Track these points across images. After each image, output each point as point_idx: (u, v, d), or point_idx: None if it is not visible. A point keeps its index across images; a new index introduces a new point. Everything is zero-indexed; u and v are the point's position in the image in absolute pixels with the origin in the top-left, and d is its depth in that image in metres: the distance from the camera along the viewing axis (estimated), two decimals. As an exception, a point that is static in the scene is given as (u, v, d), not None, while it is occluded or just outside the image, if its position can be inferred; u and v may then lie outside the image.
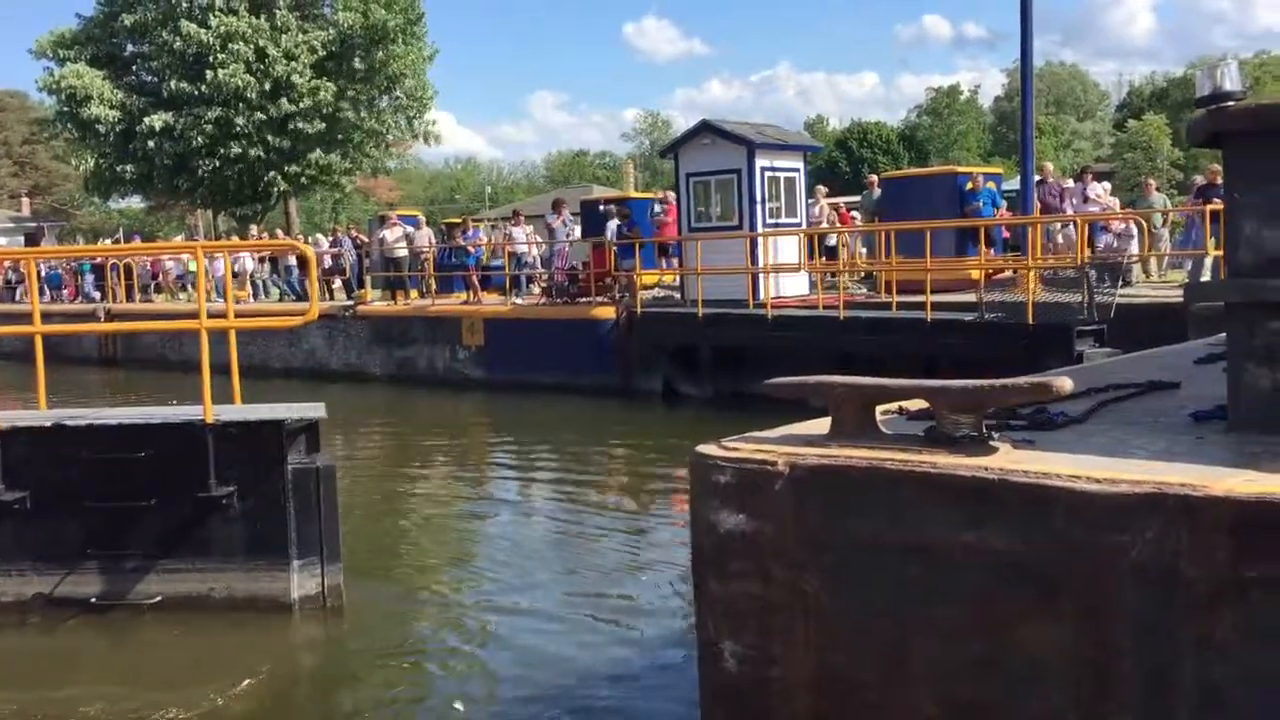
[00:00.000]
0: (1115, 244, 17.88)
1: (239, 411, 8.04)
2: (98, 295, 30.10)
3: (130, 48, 38.50)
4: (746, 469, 3.32)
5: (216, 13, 35.25)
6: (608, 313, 18.68)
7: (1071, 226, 18.39)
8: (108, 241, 45.15)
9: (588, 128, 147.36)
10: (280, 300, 27.42)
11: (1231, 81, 3.31)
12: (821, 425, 3.51)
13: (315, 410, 8.01)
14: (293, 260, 27.60)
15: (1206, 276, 15.09)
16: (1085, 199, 18.95)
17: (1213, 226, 15.05)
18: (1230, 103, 3.31)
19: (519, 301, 21.58)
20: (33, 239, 52.60)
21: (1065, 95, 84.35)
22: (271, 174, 37.77)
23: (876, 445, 3.25)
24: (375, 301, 23.96)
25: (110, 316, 26.67)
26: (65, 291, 33.02)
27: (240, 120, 35.71)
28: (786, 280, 18.51)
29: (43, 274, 28.39)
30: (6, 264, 33.62)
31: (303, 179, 38.91)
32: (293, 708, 6.46)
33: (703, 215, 19.19)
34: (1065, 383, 3.14)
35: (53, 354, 8.47)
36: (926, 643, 3.02)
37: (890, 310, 15.84)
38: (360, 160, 40.24)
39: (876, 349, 14.48)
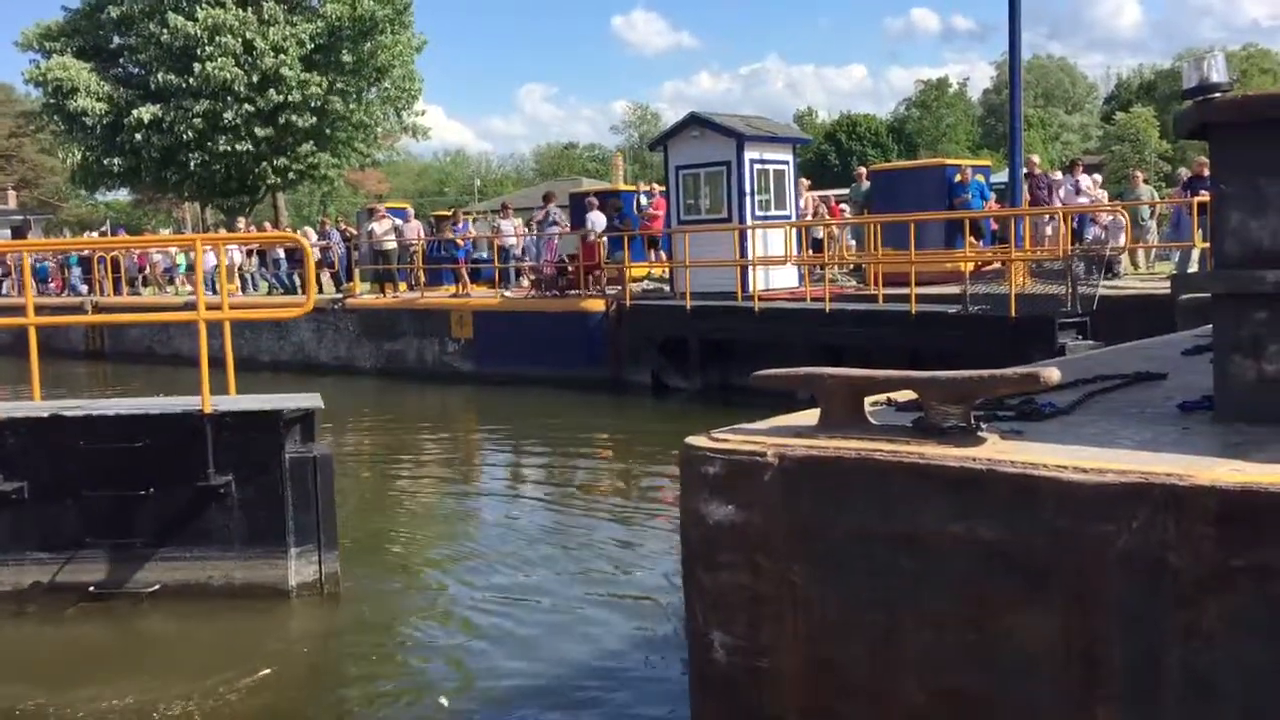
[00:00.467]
0: (1104, 236, 17.92)
1: (236, 402, 8.13)
2: (84, 289, 30.00)
3: (117, 40, 38.27)
4: (735, 460, 3.33)
5: (204, 5, 35.06)
6: (597, 305, 18.68)
7: (1059, 219, 18.46)
8: (94, 235, 44.90)
9: (577, 120, 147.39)
10: (269, 294, 27.35)
11: (1219, 73, 3.32)
12: (810, 417, 3.51)
13: (311, 400, 8.10)
14: (281, 253, 27.51)
15: (1194, 268, 15.16)
16: (1077, 191, 19.01)
17: (1200, 218, 15.11)
18: (1217, 94, 3.31)
19: (508, 294, 21.56)
20: (19, 232, 52.32)
21: (1053, 88, 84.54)
22: (261, 167, 37.63)
23: (865, 436, 3.26)
24: (364, 294, 23.91)
25: (97, 309, 26.55)
26: (52, 284, 32.88)
27: (228, 114, 35.56)
28: (776, 273, 18.52)
29: (32, 265, 28.21)
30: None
31: (291, 173, 38.78)
32: (291, 693, 6.49)
33: (692, 208, 19.20)
34: (1053, 374, 3.15)
35: (40, 347, 8.47)
36: (915, 633, 3.03)
37: (876, 303, 15.87)
38: (349, 154, 40.12)
39: (863, 342, 14.52)
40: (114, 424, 7.87)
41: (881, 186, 20.97)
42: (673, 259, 19.32)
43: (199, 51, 35.01)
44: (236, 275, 27.94)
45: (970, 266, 16.51)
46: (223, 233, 35.15)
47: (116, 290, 28.84)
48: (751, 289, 17.26)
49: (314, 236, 28.16)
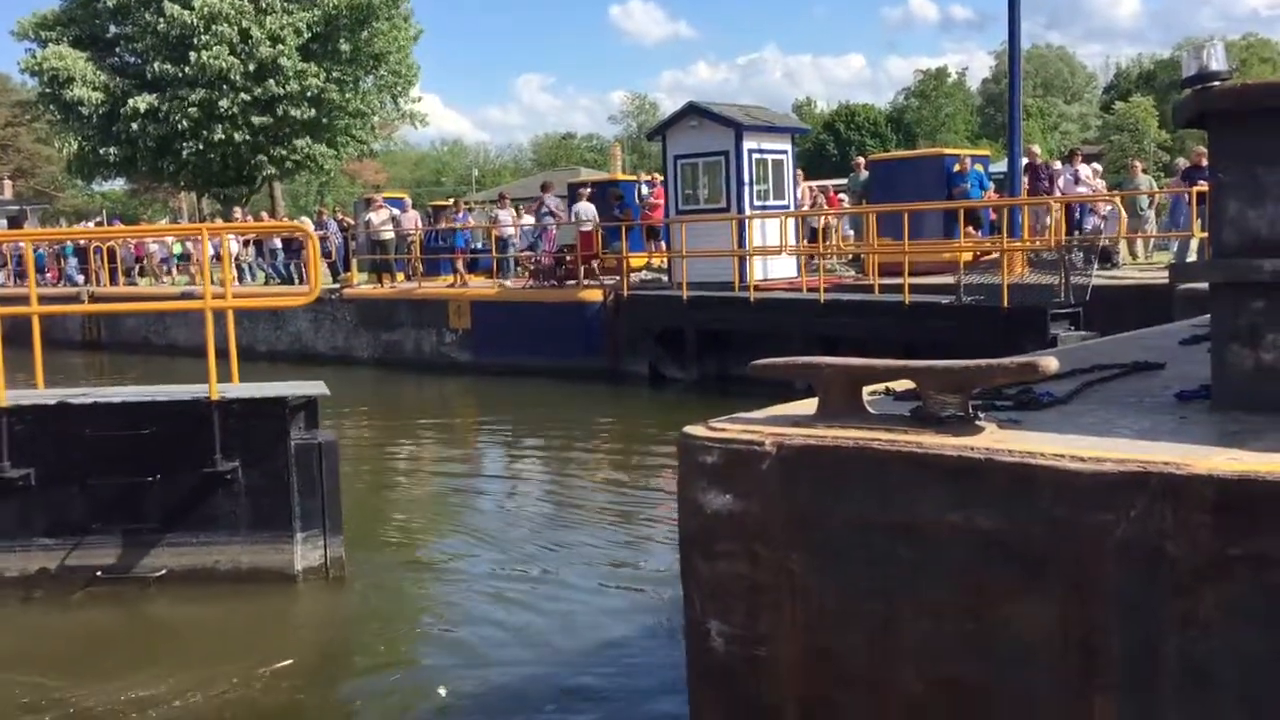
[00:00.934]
0: (1103, 227, 17.91)
1: (242, 389, 8.24)
2: (80, 278, 29.91)
3: (113, 29, 38.13)
4: (733, 449, 3.33)
5: (200, -7, 34.96)
6: (595, 295, 18.66)
7: (1062, 210, 18.44)
8: (90, 225, 44.82)
9: (574, 110, 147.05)
10: (266, 284, 27.30)
11: (1218, 62, 3.31)
12: (808, 406, 3.51)
13: (316, 388, 8.23)
14: (278, 243, 27.47)
15: (1193, 258, 15.15)
16: (1076, 181, 18.98)
17: (1199, 208, 15.10)
18: (1216, 83, 3.31)
19: (506, 284, 21.54)
20: (15, 222, 52.13)
21: (1053, 78, 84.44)
22: (257, 157, 37.55)
23: (863, 425, 3.26)
24: (361, 285, 23.88)
25: (93, 299, 26.49)
26: (48, 274, 32.81)
27: (224, 103, 35.46)
28: (774, 263, 18.50)
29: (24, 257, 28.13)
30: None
31: (288, 163, 38.70)
32: (297, 675, 6.55)
33: (690, 198, 19.17)
34: (1051, 363, 3.15)
35: (39, 336, 8.48)
36: (913, 622, 3.03)
37: (871, 293, 15.86)
38: (346, 143, 40.03)
39: (858, 332, 14.48)
40: (121, 411, 7.97)
41: (880, 176, 20.94)
42: (671, 249, 19.30)
43: (195, 40, 34.89)
44: (232, 265, 27.87)
45: (969, 256, 16.51)
46: (220, 222, 35.12)
47: (113, 280, 28.78)
48: (749, 279, 17.23)
49: (311, 227, 28.11)
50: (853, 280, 18.08)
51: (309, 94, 36.16)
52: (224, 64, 34.75)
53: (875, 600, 3.09)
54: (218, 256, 28.41)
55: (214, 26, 34.90)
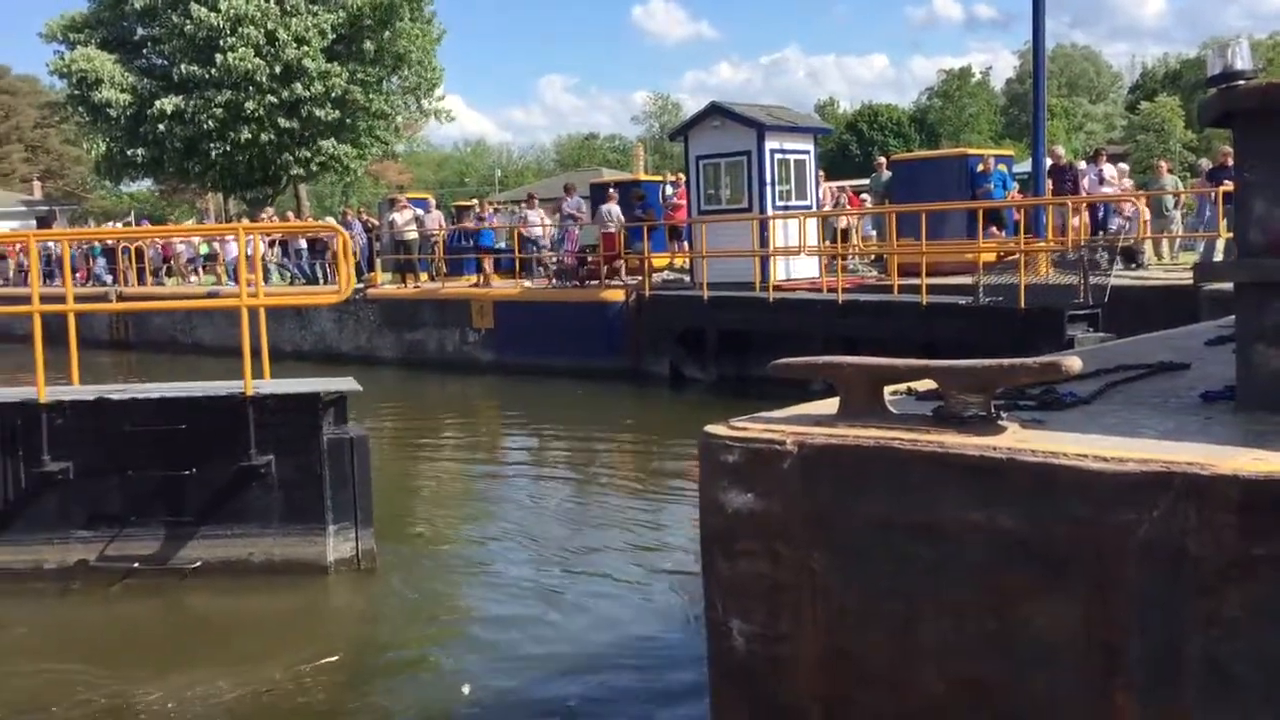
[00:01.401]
0: (1127, 227, 17.79)
1: (277, 385, 8.43)
2: (109, 278, 30.17)
3: (140, 31, 38.44)
4: (755, 448, 3.33)
5: (226, -5, 35.21)
6: (617, 295, 18.68)
7: (1086, 210, 18.34)
8: (118, 225, 45.20)
9: (597, 111, 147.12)
10: (291, 284, 27.46)
11: (1243, 60, 3.29)
12: (830, 406, 3.51)
13: (347, 384, 8.44)
14: (303, 243, 27.64)
15: (1219, 258, 15.03)
16: (1101, 181, 18.87)
17: (1225, 208, 14.99)
18: (1241, 82, 3.29)
19: (529, 284, 21.58)
20: (44, 222, 52.69)
21: (1078, 77, 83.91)
22: (283, 158, 37.77)
23: (885, 425, 3.25)
24: (385, 285, 23.98)
25: (121, 299, 26.73)
26: (77, 274, 33.10)
27: (250, 104, 35.68)
28: (797, 263, 18.48)
29: (56, 256, 28.42)
30: (18, 247, 33.72)
31: (313, 164, 38.92)
32: (330, 665, 6.68)
33: (712, 198, 19.16)
34: (1074, 363, 3.14)
35: (62, 336, 8.63)
36: (935, 621, 3.03)
37: (890, 294, 15.80)
38: (371, 145, 40.21)
39: (877, 332, 14.44)
40: (158, 406, 8.16)
41: (903, 176, 20.88)
42: (692, 249, 19.29)
43: (221, 42, 35.14)
44: (259, 266, 28.03)
45: (992, 256, 16.43)
46: (246, 222, 35.34)
47: (140, 280, 29.02)
48: (770, 279, 17.21)
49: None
50: (875, 280, 18.04)
51: (333, 95, 36.35)
52: (250, 65, 34.97)
53: (896, 600, 3.09)
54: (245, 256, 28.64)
55: (240, 28, 35.14)
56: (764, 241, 17.70)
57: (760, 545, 3.34)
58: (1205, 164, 19.37)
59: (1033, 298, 13.48)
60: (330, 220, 31.16)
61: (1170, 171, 20.94)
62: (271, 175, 39.27)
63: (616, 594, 7.72)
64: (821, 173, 24.09)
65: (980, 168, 19.20)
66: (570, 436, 14.47)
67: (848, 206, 23.28)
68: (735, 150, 18.65)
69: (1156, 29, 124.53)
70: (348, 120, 38.00)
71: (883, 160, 24.13)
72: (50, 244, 28.42)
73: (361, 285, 23.80)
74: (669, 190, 23.05)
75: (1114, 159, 22.10)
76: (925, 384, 3.62)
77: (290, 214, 37.40)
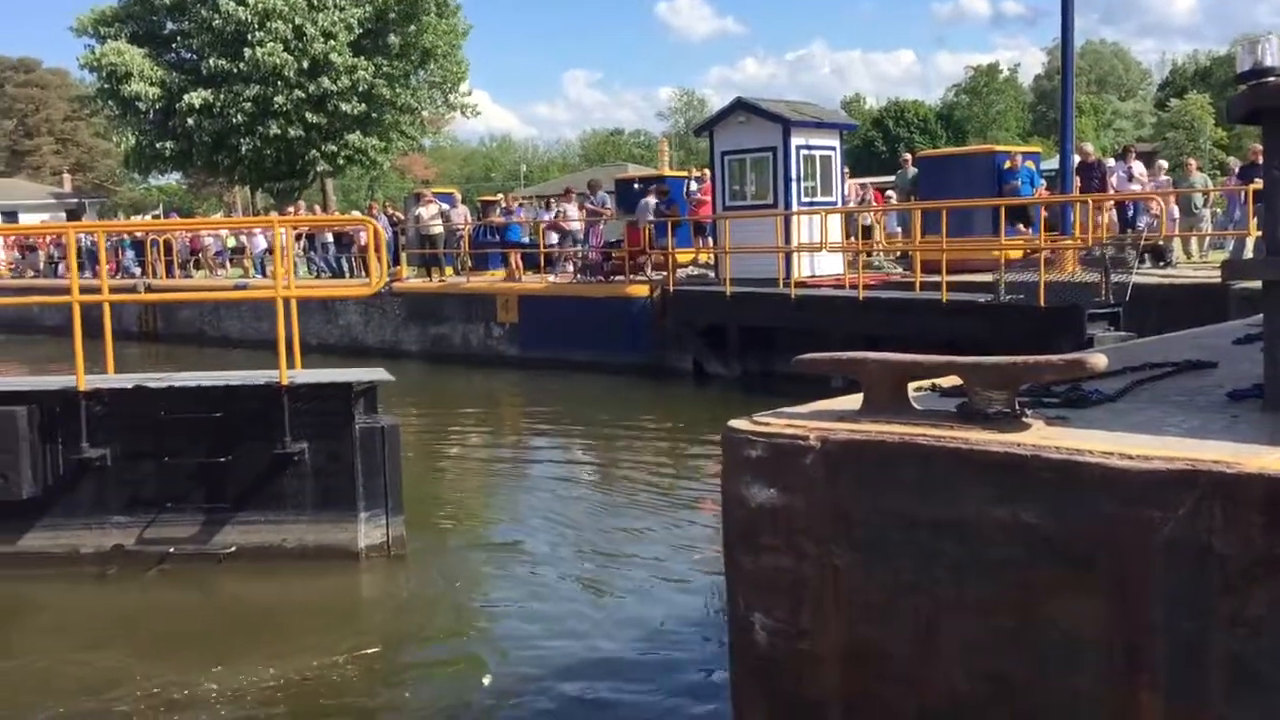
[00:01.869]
0: (1156, 225, 17.65)
1: (311, 375, 8.57)
2: (137, 271, 30.41)
3: (170, 25, 38.74)
4: (778, 443, 3.34)
5: (255, -10, 35.41)
6: (641, 291, 18.68)
7: (1114, 209, 18.21)
8: (147, 218, 45.58)
9: (621, 106, 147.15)
10: (317, 277, 27.60)
11: (1273, 57, 3.26)
12: (853, 401, 3.51)
13: (379, 375, 8.55)
14: (329, 237, 27.79)
15: (1249, 256, 14.89)
16: (1129, 178, 18.73)
17: (1256, 206, 14.85)
18: (1271, 78, 3.26)
19: (554, 279, 21.62)
20: (74, 215, 53.17)
21: (1107, 74, 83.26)
22: (310, 152, 37.98)
23: (908, 421, 3.25)
24: (411, 279, 24.07)
25: (150, 291, 26.96)
26: (95, 268, 33.36)
27: (279, 99, 35.89)
28: (821, 259, 18.42)
29: (86, 248, 28.66)
30: (49, 239, 34.05)
31: (339, 158, 39.12)
32: (361, 650, 6.78)
33: (738, 194, 19.13)
34: (1100, 360, 3.13)
35: (95, 327, 8.75)
36: (957, 618, 3.03)
37: (911, 291, 15.72)
38: (397, 138, 40.38)
39: (899, 329, 14.36)
40: (196, 395, 8.30)
41: (929, 173, 20.77)
42: (717, 245, 19.26)
43: (250, 37, 35.35)
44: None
45: (1019, 254, 16.32)
46: (273, 215, 35.52)
47: (169, 273, 29.26)
48: (794, 275, 17.16)
49: (381, 221, 28.35)
50: (900, 277, 17.97)
51: (359, 89, 36.51)
52: (278, 60, 35.17)
53: (919, 596, 3.09)
54: (270, 250, 28.82)
55: (268, 23, 35.35)
56: (789, 238, 17.66)
57: (783, 540, 3.35)
58: (1235, 162, 19.17)
59: (1053, 296, 13.34)
60: (355, 213, 31.34)
61: (1199, 169, 20.76)
62: (299, 169, 39.50)
63: (639, 586, 7.75)
64: (846, 170, 24.04)
65: (1007, 164, 19.08)
66: (594, 430, 14.52)
67: (872, 204, 23.20)
68: (761, 146, 18.60)
69: (1186, 26, 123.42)
70: (373, 114, 38.17)
71: (908, 157, 24.02)
72: (81, 236, 28.65)
73: (387, 279, 23.92)
74: (694, 186, 23.03)
75: (1143, 156, 21.94)
76: (949, 380, 3.61)
77: (317, 208, 37.57)
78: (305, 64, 35.73)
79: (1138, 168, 19.16)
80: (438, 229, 23.84)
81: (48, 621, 7.54)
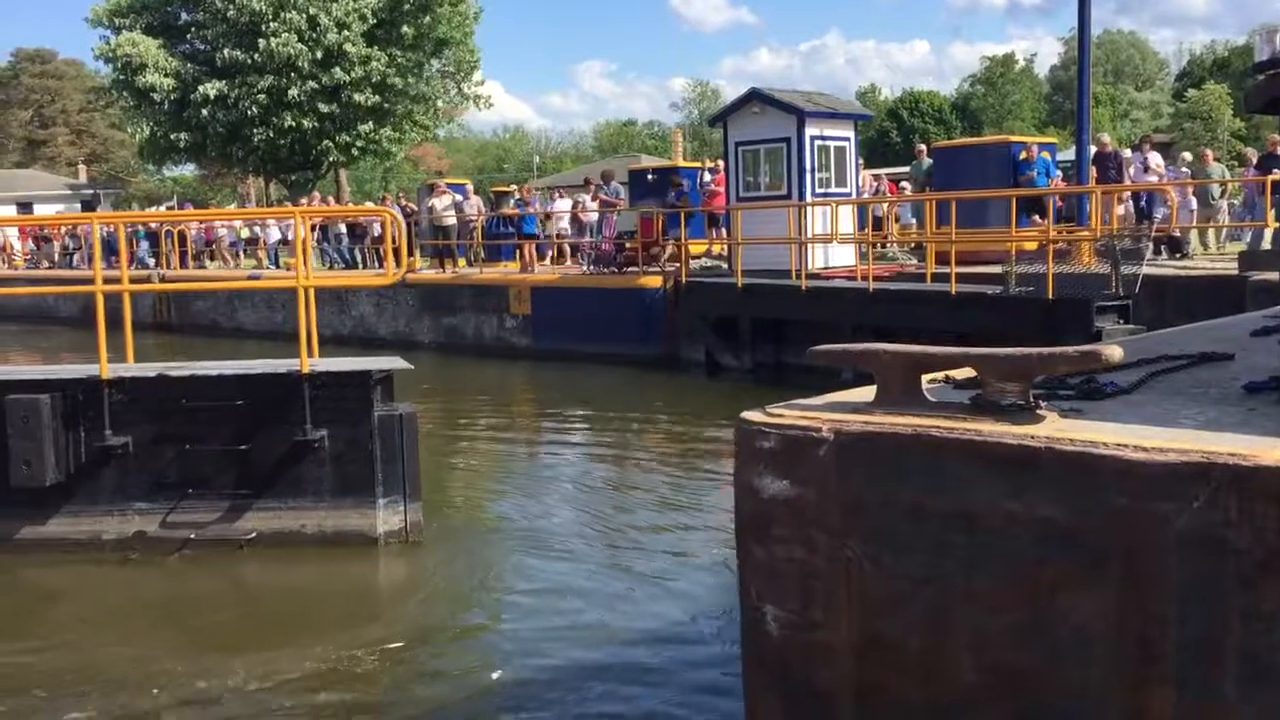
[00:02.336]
0: (1168, 217, 17.56)
1: (330, 363, 8.68)
2: (152, 261, 30.53)
3: (184, 16, 38.85)
4: (791, 435, 3.33)
5: (269, -20, 35.48)
6: (654, 282, 18.66)
7: (1130, 200, 18.11)
8: (162, 209, 45.75)
9: (635, 97, 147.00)
10: (330, 268, 27.66)
11: (1292, 46, 3.24)
12: (866, 393, 3.50)
13: (396, 363, 8.69)
14: (343, 228, 27.84)
15: (1267, 248, 14.80)
16: (1145, 169, 18.63)
17: (1274, 197, 14.75)
18: (1290, 68, 3.23)
19: (570, 269, 21.60)
20: (89, 206, 53.42)
21: (1123, 64, 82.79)
22: (323, 143, 38.03)
23: (922, 413, 3.23)
24: (423, 270, 24.09)
25: (164, 282, 27.07)
26: (114, 258, 33.43)
27: (293, 90, 35.94)
28: (835, 251, 18.37)
29: (102, 239, 28.78)
30: (63, 230, 34.21)
31: (353, 149, 39.17)
32: (380, 634, 6.90)
33: (751, 185, 19.08)
34: (1115, 351, 3.10)
35: (111, 317, 8.82)
36: (969, 610, 3.02)
37: (920, 282, 15.65)
38: (410, 129, 40.41)
39: (908, 321, 14.28)
40: (218, 383, 8.42)
41: (945, 163, 20.68)
42: (730, 236, 19.24)
43: (264, 28, 35.41)
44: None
45: (1034, 245, 16.24)
46: (288, 205, 35.59)
47: (183, 264, 29.35)
48: (808, 267, 17.11)
49: (397, 211, 28.34)
50: (915, 269, 17.91)
51: (373, 79, 36.54)
52: (292, 50, 35.22)
53: (931, 588, 3.08)
54: (284, 240, 28.91)
55: (282, 13, 35.39)
56: (803, 229, 17.61)
57: (795, 532, 3.34)
58: (1253, 153, 19.04)
59: (1063, 288, 13.23)
60: (368, 204, 31.36)
61: (1217, 160, 20.63)
62: (312, 160, 39.57)
63: (653, 576, 7.77)
64: (861, 161, 23.95)
65: (1023, 155, 18.98)
66: (606, 421, 14.53)
67: (886, 195, 23.13)
68: (775, 137, 18.55)
69: (1204, 15, 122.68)
70: (387, 105, 38.20)
71: (923, 148, 23.92)
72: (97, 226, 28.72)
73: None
74: (707, 177, 22.99)
75: (1160, 147, 21.81)
76: (964, 372, 3.60)
77: (330, 198, 37.66)
78: (319, 54, 35.78)
79: (1154, 158, 19.05)
80: (451, 220, 23.85)
81: (70, 606, 7.65)
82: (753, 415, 3.47)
